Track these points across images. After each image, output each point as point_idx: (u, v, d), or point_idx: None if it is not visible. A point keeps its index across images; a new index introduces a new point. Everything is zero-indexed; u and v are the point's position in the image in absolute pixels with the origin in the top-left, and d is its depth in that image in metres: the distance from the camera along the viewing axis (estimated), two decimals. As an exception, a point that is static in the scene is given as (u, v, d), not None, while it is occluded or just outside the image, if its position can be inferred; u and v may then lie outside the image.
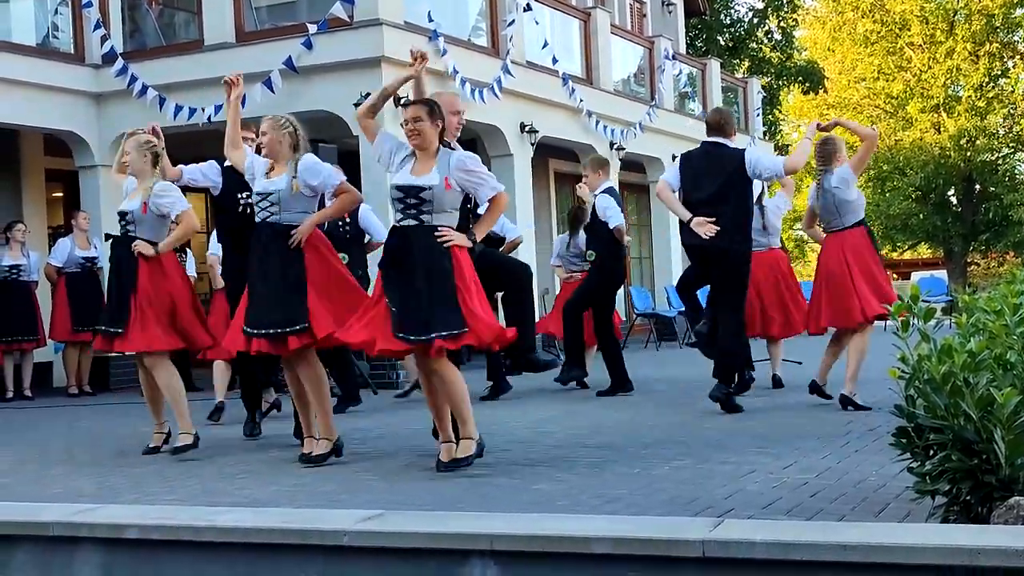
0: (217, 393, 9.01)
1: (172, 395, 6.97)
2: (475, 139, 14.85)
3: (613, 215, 9.64)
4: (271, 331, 6.21)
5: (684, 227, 8.01)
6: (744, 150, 8.14)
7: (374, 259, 9.58)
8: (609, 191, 9.83)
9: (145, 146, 7.06)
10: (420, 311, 5.64)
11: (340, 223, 9.28)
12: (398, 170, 5.91)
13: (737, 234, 7.89)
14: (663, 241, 19.03)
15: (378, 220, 9.65)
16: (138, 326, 6.84)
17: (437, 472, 5.79)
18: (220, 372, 9.03)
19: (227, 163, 7.36)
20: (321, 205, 6.77)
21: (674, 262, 18.67)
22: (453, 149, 6.07)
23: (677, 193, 8.14)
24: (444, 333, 5.60)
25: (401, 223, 5.81)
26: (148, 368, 6.99)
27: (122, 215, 7.09)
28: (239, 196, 7.34)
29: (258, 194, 6.45)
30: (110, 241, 7.25)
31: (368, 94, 11.78)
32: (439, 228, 5.74)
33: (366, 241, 9.61)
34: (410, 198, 5.77)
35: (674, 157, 18.74)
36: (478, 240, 5.95)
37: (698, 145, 8.54)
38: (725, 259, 7.92)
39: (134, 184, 7.13)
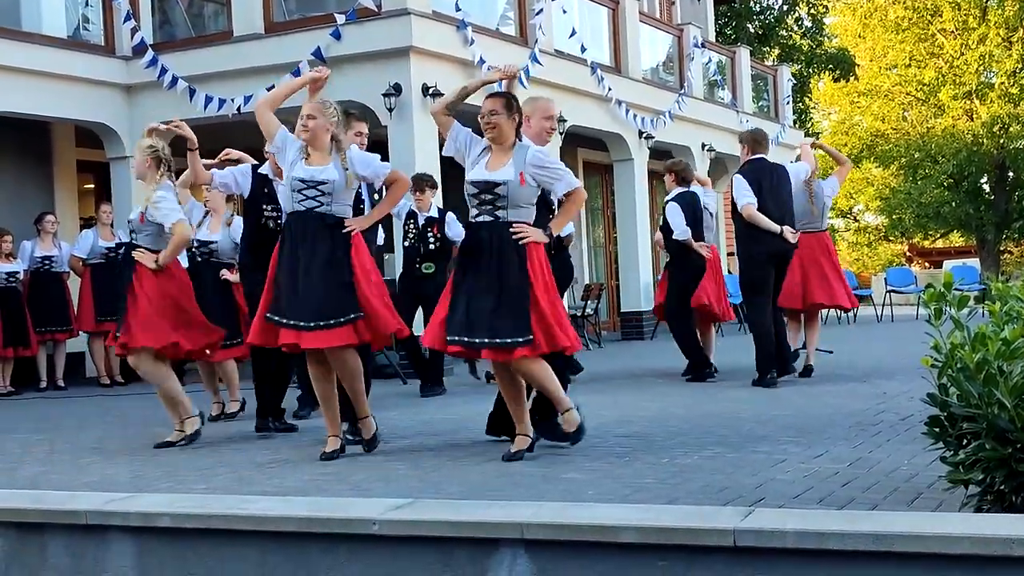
0: (233, 392, 8.67)
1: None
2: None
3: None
4: (329, 322, 5.97)
5: (769, 236, 8.99)
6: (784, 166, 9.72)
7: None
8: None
9: (147, 151, 7.02)
10: (484, 314, 5.66)
11: (430, 235, 9.48)
12: (473, 165, 5.88)
13: None
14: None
15: (461, 227, 9.78)
16: (134, 325, 6.88)
17: (503, 461, 5.76)
18: (233, 371, 8.68)
19: (261, 168, 7.33)
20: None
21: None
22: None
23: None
24: (507, 340, 5.64)
25: (477, 219, 5.83)
26: (133, 365, 7.11)
27: (129, 222, 7.15)
28: (263, 208, 7.29)
29: (301, 180, 6.08)
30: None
31: (397, 84, 11.92)
32: (513, 224, 5.74)
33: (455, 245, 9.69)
34: (484, 194, 5.78)
35: (703, 146, 18.72)
36: (554, 236, 5.91)
37: (760, 159, 9.35)
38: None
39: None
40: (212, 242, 8.44)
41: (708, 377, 9.85)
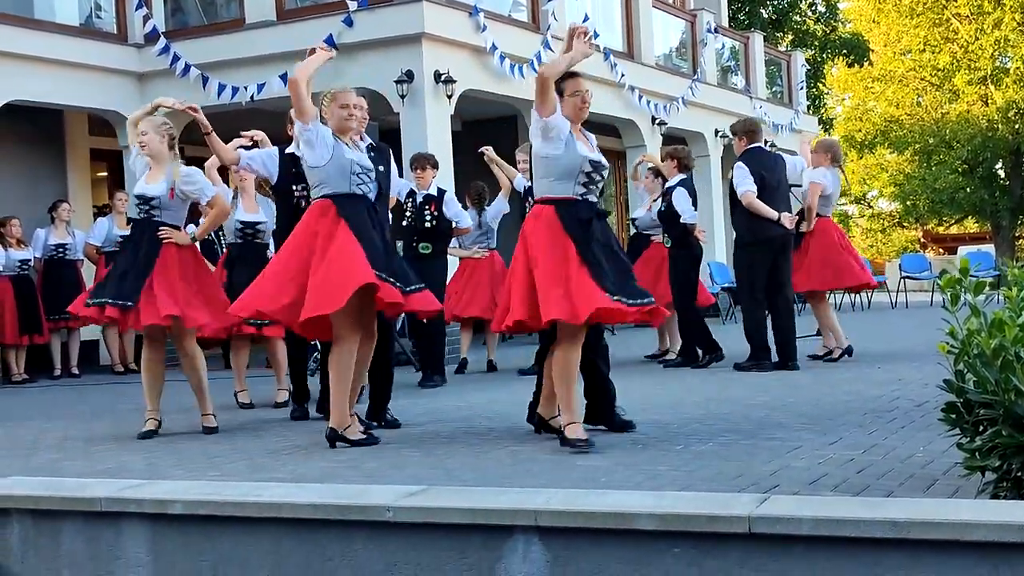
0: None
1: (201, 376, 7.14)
2: (516, 115, 14.82)
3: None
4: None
5: (769, 223, 9.07)
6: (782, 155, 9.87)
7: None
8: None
9: (163, 128, 6.97)
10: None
11: (427, 213, 9.37)
12: (568, 145, 5.84)
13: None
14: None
15: (460, 207, 9.75)
16: (163, 299, 6.73)
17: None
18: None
19: (288, 150, 7.29)
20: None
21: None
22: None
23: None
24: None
25: (587, 197, 5.85)
26: (178, 343, 7.09)
27: (145, 199, 6.92)
28: (293, 189, 7.29)
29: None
30: (130, 224, 7.24)
31: (409, 71, 11.89)
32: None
33: (453, 225, 9.65)
34: (595, 173, 5.86)
35: (717, 132, 18.65)
36: None
37: (760, 145, 9.50)
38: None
39: (145, 165, 7.00)
40: (259, 222, 8.50)
41: (712, 362, 9.89)
